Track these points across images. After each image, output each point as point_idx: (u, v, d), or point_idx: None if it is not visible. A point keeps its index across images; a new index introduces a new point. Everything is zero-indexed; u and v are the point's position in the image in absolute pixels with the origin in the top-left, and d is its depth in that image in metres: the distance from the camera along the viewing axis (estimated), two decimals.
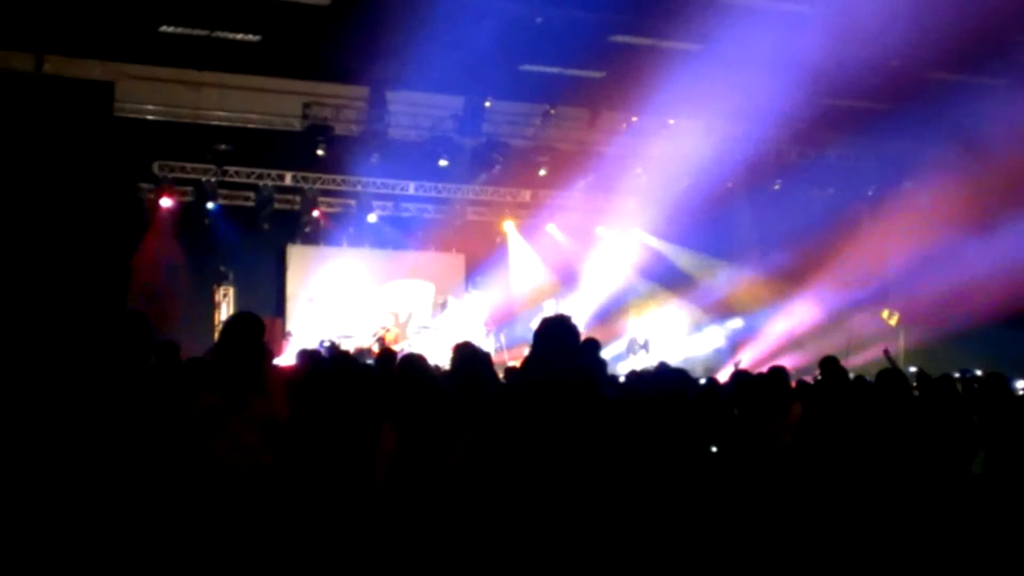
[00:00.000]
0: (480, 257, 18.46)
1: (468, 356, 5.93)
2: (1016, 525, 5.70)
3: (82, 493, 4.27)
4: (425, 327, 17.87)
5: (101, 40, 13.10)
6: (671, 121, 16.11)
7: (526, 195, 18.69)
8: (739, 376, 8.22)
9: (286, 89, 15.31)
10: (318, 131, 15.46)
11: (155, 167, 16.02)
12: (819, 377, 9.05)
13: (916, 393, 7.60)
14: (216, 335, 13.15)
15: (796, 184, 17.67)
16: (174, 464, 4.58)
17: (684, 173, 16.21)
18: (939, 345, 15.70)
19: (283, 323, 16.78)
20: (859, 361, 13.91)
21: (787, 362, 13.05)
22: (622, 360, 16.64)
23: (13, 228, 12.50)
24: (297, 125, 15.56)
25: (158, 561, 4.35)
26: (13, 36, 12.84)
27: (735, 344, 17.88)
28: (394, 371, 6.57)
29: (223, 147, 15.73)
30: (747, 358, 16.60)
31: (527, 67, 14.29)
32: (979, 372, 11.40)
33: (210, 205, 16.40)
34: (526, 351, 14.59)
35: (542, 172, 17.38)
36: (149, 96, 14.68)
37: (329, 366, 6.98)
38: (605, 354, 10.56)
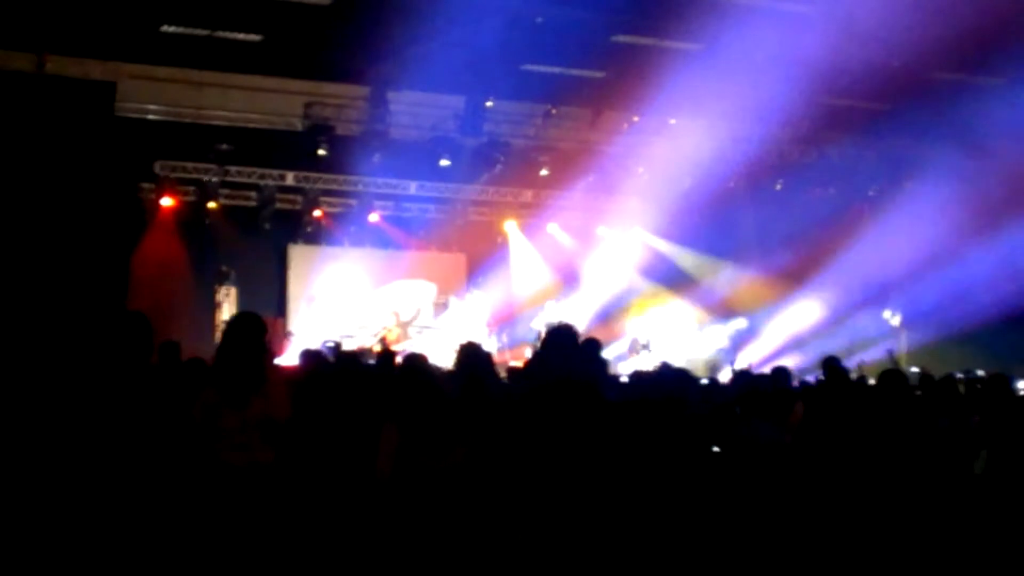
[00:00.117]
0: (482, 257, 18.45)
1: (471, 356, 5.93)
2: (1018, 525, 5.69)
3: (83, 492, 4.27)
4: (427, 327, 17.86)
5: (102, 40, 13.10)
6: (672, 121, 16.09)
7: (527, 195, 18.68)
8: (741, 376, 8.21)
9: (287, 89, 15.31)
10: (319, 131, 15.45)
11: (156, 167, 16.03)
12: (821, 377, 9.07)
13: (918, 394, 7.59)
14: (217, 335, 13.15)
15: (798, 184, 17.64)
16: (175, 463, 4.58)
17: (686, 173, 16.19)
18: (941, 345, 15.69)
19: (284, 323, 16.77)
20: (861, 361, 13.88)
21: (789, 362, 13.07)
22: (623, 360, 16.62)
23: (14, 228, 12.51)
24: (298, 125, 15.55)
25: (159, 560, 4.35)
26: (14, 36, 12.84)
27: (737, 344, 17.87)
28: (394, 371, 6.57)
29: (224, 147, 15.72)
30: (749, 358, 16.62)
31: (528, 67, 14.29)
32: (981, 372, 11.40)
33: (211, 205, 16.40)
34: (528, 351, 14.60)
35: (543, 172, 17.36)
36: (150, 96, 14.67)
37: (337, 366, 6.98)
38: (607, 354, 10.56)
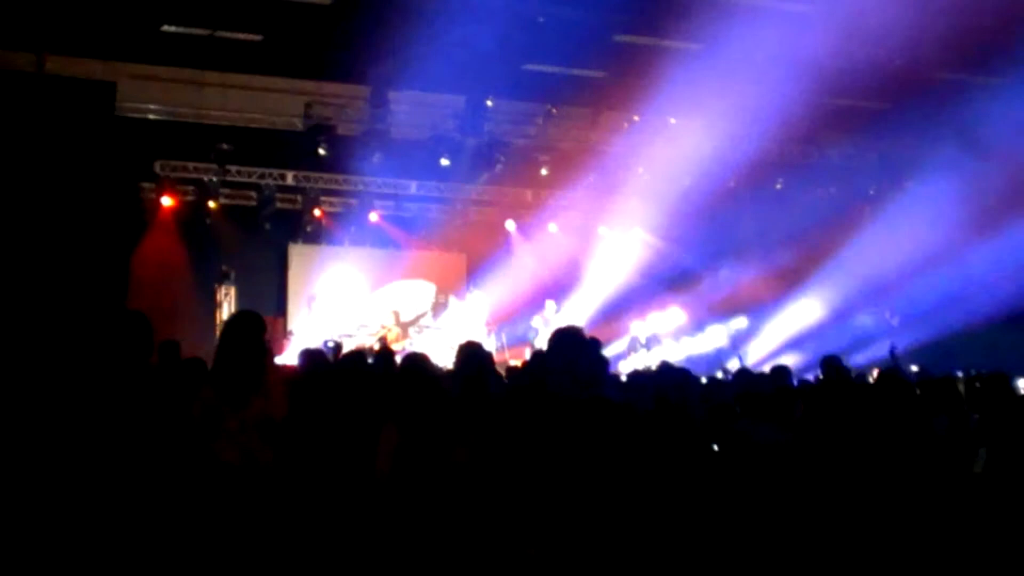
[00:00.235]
0: (482, 257, 18.43)
1: (471, 356, 5.93)
2: (1017, 525, 5.69)
3: (82, 492, 4.27)
4: (426, 327, 17.87)
5: (103, 39, 13.13)
6: (673, 120, 16.11)
7: (528, 194, 18.70)
8: (741, 375, 8.20)
9: (288, 88, 15.33)
10: (320, 130, 15.48)
11: (157, 166, 16.03)
12: (820, 376, 9.06)
13: (917, 392, 7.59)
14: (217, 334, 13.15)
15: (798, 183, 17.66)
16: (174, 463, 4.58)
17: (686, 172, 16.19)
18: (941, 345, 15.69)
19: (284, 322, 16.78)
20: (861, 360, 13.89)
21: (789, 361, 13.06)
22: (624, 359, 16.63)
23: (14, 227, 12.51)
24: (299, 124, 15.57)
25: (158, 560, 4.35)
26: (15, 35, 12.85)
27: (737, 343, 17.86)
28: (392, 371, 6.57)
29: (225, 146, 15.73)
30: (749, 356, 16.60)
31: (529, 66, 14.30)
32: (981, 372, 11.39)
33: (212, 204, 16.41)
34: (527, 351, 14.57)
35: (544, 171, 17.38)
36: (151, 95, 14.70)
37: (344, 365, 6.95)
38: (607, 353, 10.55)
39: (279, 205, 17.19)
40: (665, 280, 18.56)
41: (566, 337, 4.18)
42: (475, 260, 18.61)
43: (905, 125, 15.28)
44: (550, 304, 16.53)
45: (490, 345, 15.82)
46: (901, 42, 12.68)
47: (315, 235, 17.66)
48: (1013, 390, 7.62)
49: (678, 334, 18.13)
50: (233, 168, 16.42)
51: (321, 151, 15.61)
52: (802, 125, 15.91)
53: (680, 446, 5.26)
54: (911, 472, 5.80)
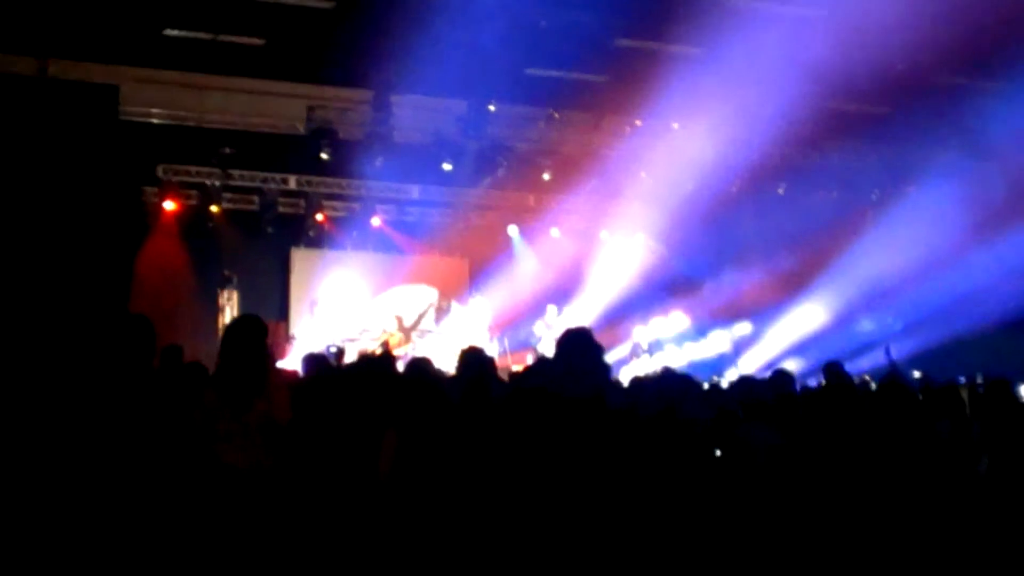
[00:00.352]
0: (484, 261, 18.42)
1: (473, 361, 5.93)
2: (1019, 531, 5.67)
3: (84, 496, 4.27)
4: (429, 331, 17.85)
5: (106, 44, 13.14)
6: (675, 125, 16.09)
7: (530, 199, 18.68)
8: (743, 380, 8.20)
9: (290, 93, 15.33)
10: (322, 134, 15.48)
11: (159, 170, 16.04)
12: (823, 381, 9.04)
13: (920, 398, 7.58)
14: (219, 339, 13.15)
15: (800, 188, 17.65)
16: (176, 466, 4.58)
17: (688, 177, 16.19)
18: (944, 350, 15.67)
19: (287, 327, 16.77)
20: (865, 366, 13.87)
21: (791, 366, 13.04)
22: (626, 364, 16.61)
23: (17, 231, 12.52)
24: (301, 128, 15.57)
25: (160, 563, 4.35)
26: (18, 39, 12.87)
27: (740, 349, 17.85)
28: (392, 375, 6.57)
29: (227, 150, 15.74)
30: (751, 362, 16.60)
31: (531, 70, 14.30)
32: (984, 377, 11.37)
33: (214, 208, 16.42)
34: (530, 356, 14.57)
35: (546, 176, 17.37)
36: (154, 99, 14.71)
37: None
38: (609, 358, 10.54)
39: (281, 209, 17.19)
40: (667, 285, 18.54)
41: (572, 339, 4.17)
42: (477, 265, 18.59)
43: (907, 129, 15.28)
44: (551, 309, 16.52)
45: (493, 350, 15.81)
46: (903, 46, 12.66)
47: (317, 239, 17.66)
48: (1015, 396, 7.60)
49: (680, 339, 18.11)
50: (235, 172, 16.43)
51: (323, 155, 15.61)
52: (804, 129, 15.92)
53: (681, 451, 5.25)
54: (913, 477, 5.79)
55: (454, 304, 17.58)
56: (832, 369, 8.79)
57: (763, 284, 17.69)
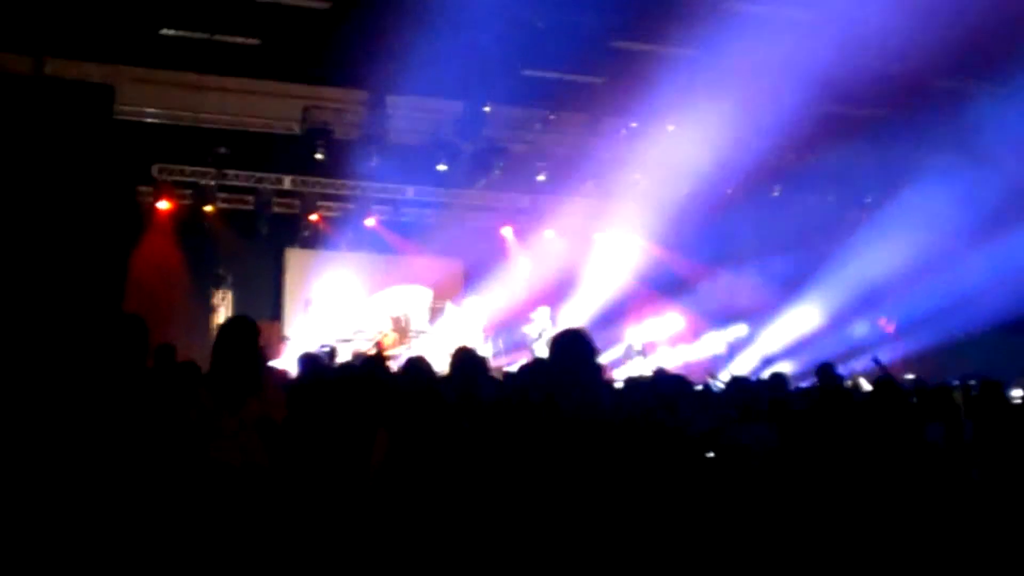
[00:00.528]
0: (479, 262, 18.41)
1: (465, 361, 5.93)
2: (1012, 533, 5.69)
3: (78, 494, 4.27)
4: (423, 332, 17.85)
5: (101, 42, 13.12)
6: (670, 127, 16.10)
7: (525, 200, 18.67)
8: (737, 382, 8.21)
9: (286, 93, 15.32)
10: (317, 135, 15.46)
11: (154, 170, 16.01)
12: (816, 384, 9.07)
13: (913, 400, 7.60)
14: (213, 339, 13.13)
15: (796, 190, 17.67)
16: (170, 465, 4.58)
17: (683, 179, 16.19)
18: (938, 353, 15.70)
19: (281, 327, 16.75)
20: (856, 368, 13.90)
21: (785, 368, 13.05)
22: (620, 366, 16.63)
23: (11, 230, 12.49)
24: (296, 129, 15.56)
25: (155, 561, 4.35)
26: (13, 38, 12.85)
27: (733, 351, 17.87)
28: (385, 375, 6.57)
29: (222, 150, 15.72)
30: (745, 364, 16.62)
31: (527, 72, 14.29)
32: (977, 379, 11.39)
33: (208, 208, 16.40)
34: (524, 357, 14.55)
35: (541, 177, 17.38)
36: (149, 99, 14.69)
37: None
38: (602, 360, 10.54)
39: (276, 209, 17.18)
40: (662, 286, 18.56)
41: (567, 340, 4.17)
42: (472, 266, 18.58)
43: (903, 132, 15.30)
44: (544, 310, 16.52)
45: (487, 351, 15.82)
46: (899, 49, 12.70)
47: (312, 240, 17.64)
48: (1007, 399, 7.63)
49: (675, 341, 18.14)
50: (230, 172, 16.42)
51: (319, 155, 15.60)
52: (800, 131, 15.91)
53: (673, 452, 5.26)
54: (904, 479, 5.80)
55: (449, 305, 17.59)
56: (825, 371, 8.82)
57: (758, 286, 17.72)
